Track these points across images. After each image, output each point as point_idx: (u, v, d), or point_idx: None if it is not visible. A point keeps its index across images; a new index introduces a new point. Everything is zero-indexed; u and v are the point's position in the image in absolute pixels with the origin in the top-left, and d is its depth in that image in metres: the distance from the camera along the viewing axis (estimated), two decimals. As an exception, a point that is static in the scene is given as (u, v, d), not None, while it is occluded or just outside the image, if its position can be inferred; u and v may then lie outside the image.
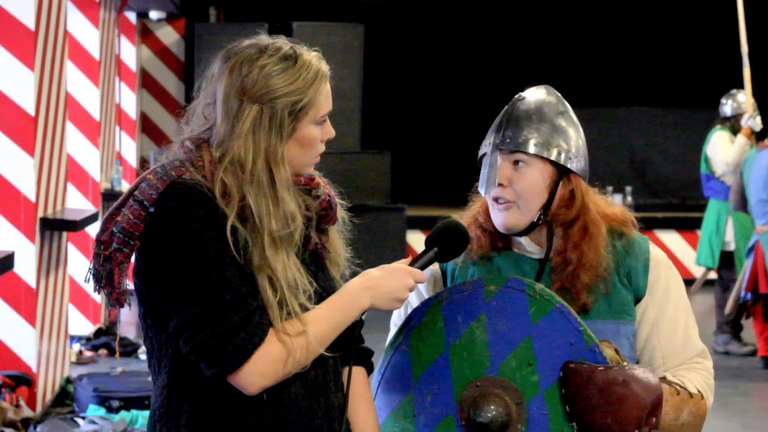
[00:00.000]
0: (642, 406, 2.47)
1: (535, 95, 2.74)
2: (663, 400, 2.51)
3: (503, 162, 2.67)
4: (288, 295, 2.27)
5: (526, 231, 2.69)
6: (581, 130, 2.75)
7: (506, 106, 2.74)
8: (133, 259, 2.33)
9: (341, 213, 2.48)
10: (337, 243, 2.48)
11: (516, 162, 2.66)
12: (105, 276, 2.31)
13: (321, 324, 2.31)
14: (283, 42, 2.36)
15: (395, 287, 2.38)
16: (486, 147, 2.71)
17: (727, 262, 9.04)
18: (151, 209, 2.27)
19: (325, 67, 2.37)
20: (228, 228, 2.25)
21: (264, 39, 2.37)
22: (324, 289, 2.38)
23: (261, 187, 2.28)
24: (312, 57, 2.36)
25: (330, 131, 2.40)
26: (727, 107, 9.07)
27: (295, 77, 2.32)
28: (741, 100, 9.00)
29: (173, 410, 2.31)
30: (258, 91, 2.30)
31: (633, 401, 2.46)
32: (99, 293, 2.35)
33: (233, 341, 2.22)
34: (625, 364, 2.51)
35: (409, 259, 2.47)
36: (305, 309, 2.31)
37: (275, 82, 2.30)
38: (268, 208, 2.28)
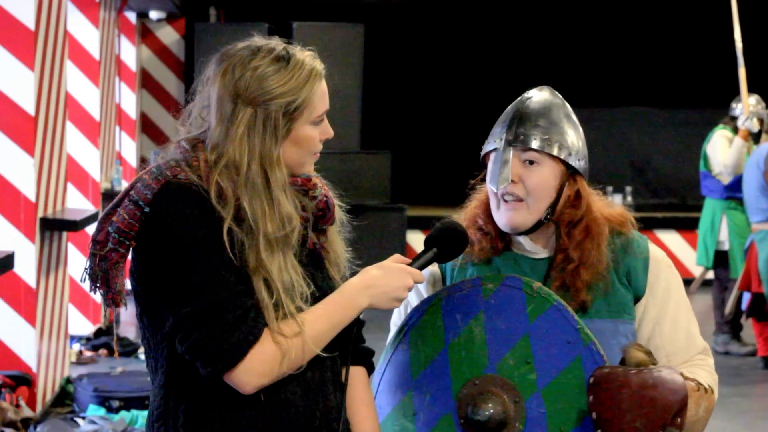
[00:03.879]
0: (669, 407, 2.47)
1: (541, 96, 2.75)
2: (689, 398, 2.51)
3: (515, 159, 2.67)
4: (284, 297, 2.27)
5: (531, 230, 2.69)
6: (581, 131, 2.76)
7: (514, 104, 2.74)
8: (129, 258, 2.33)
9: (340, 214, 2.47)
10: (337, 244, 2.47)
11: (527, 160, 2.67)
12: (101, 276, 2.30)
13: (318, 323, 2.31)
14: (276, 43, 2.35)
15: (394, 287, 2.38)
16: (495, 143, 2.71)
17: (723, 261, 9.04)
18: (147, 209, 2.26)
19: (319, 65, 2.35)
20: (224, 230, 2.25)
21: (257, 40, 2.35)
22: (321, 290, 2.37)
23: (255, 189, 2.27)
24: (306, 56, 2.34)
25: (328, 131, 2.39)
26: (737, 109, 9.06)
27: (288, 78, 2.30)
28: (751, 102, 8.98)
29: (170, 410, 2.31)
30: (251, 94, 2.28)
31: (662, 403, 2.46)
32: (94, 293, 2.34)
33: (228, 340, 2.22)
34: (652, 366, 2.51)
35: (407, 259, 2.46)
36: (301, 311, 2.30)
37: (268, 83, 2.29)
38: (263, 210, 2.27)
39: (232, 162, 2.28)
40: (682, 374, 2.61)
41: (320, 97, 2.35)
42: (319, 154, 2.40)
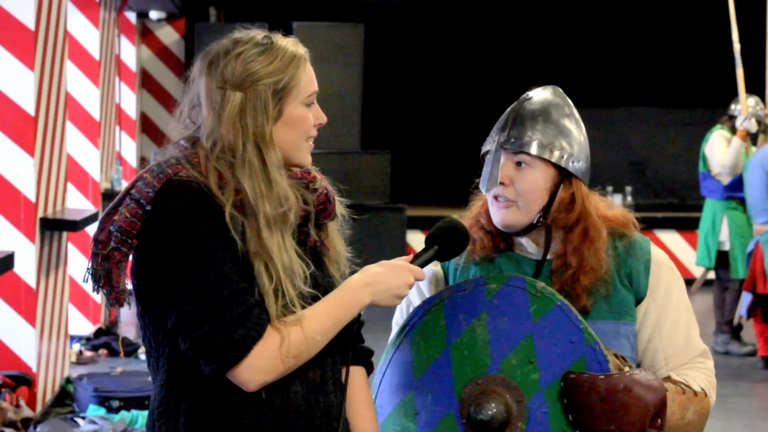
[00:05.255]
0: (645, 410, 2.46)
1: (541, 96, 2.74)
2: (669, 400, 2.51)
3: (506, 161, 2.67)
4: (284, 279, 2.27)
5: (526, 231, 2.69)
6: (584, 131, 2.75)
7: (513, 105, 2.74)
8: (131, 257, 2.33)
9: (340, 209, 2.48)
10: (337, 241, 2.48)
11: (519, 162, 2.66)
12: (103, 275, 2.31)
13: (320, 319, 2.31)
14: (256, 32, 2.38)
15: (396, 284, 2.38)
16: (490, 144, 2.71)
17: (724, 261, 9.04)
18: (148, 207, 2.27)
19: (302, 50, 2.38)
20: (227, 216, 2.25)
21: (237, 33, 2.38)
22: (322, 287, 2.38)
23: (253, 169, 2.29)
24: (288, 42, 2.38)
25: (320, 115, 2.40)
26: (735, 110, 9.05)
27: (272, 58, 2.33)
28: (750, 104, 8.97)
29: (172, 409, 2.31)
30: (238, 78, 2.31)
31: (636, 407, 2.45)
32: (98, 293, 2.35)
33: (232, 336, 2.22)
34: (626, 369, 2.51)
35: (409, 257, 2.47)
36: (302, 294, 2.30)
37: (253, 66, 2.31)
38: (261, 191, 2.28)
39: (228, 146, 2.29)
40: (669, 377, 2.61)
41: (308, 77, 2.37)
42: (313, 143, 2.41)
